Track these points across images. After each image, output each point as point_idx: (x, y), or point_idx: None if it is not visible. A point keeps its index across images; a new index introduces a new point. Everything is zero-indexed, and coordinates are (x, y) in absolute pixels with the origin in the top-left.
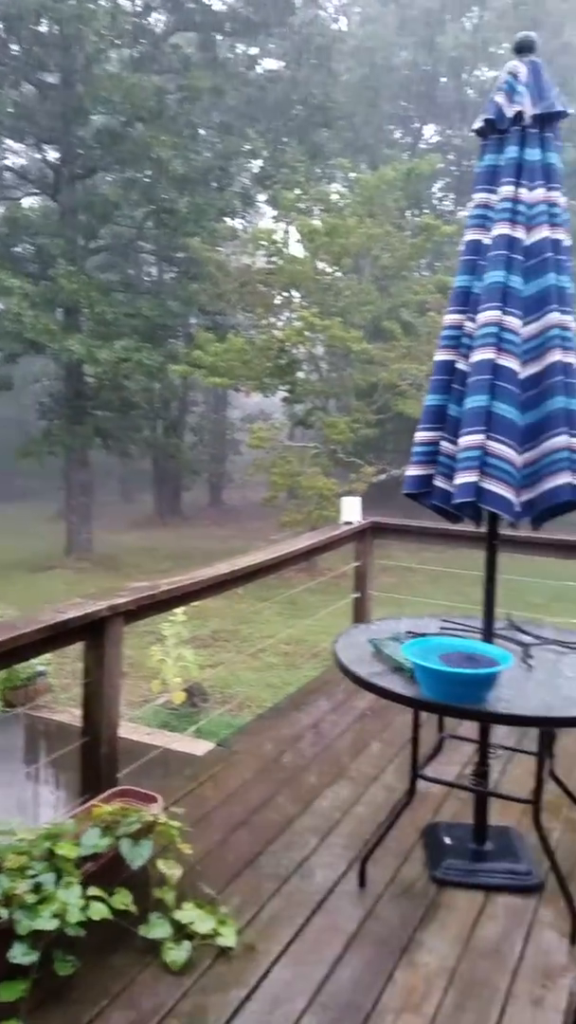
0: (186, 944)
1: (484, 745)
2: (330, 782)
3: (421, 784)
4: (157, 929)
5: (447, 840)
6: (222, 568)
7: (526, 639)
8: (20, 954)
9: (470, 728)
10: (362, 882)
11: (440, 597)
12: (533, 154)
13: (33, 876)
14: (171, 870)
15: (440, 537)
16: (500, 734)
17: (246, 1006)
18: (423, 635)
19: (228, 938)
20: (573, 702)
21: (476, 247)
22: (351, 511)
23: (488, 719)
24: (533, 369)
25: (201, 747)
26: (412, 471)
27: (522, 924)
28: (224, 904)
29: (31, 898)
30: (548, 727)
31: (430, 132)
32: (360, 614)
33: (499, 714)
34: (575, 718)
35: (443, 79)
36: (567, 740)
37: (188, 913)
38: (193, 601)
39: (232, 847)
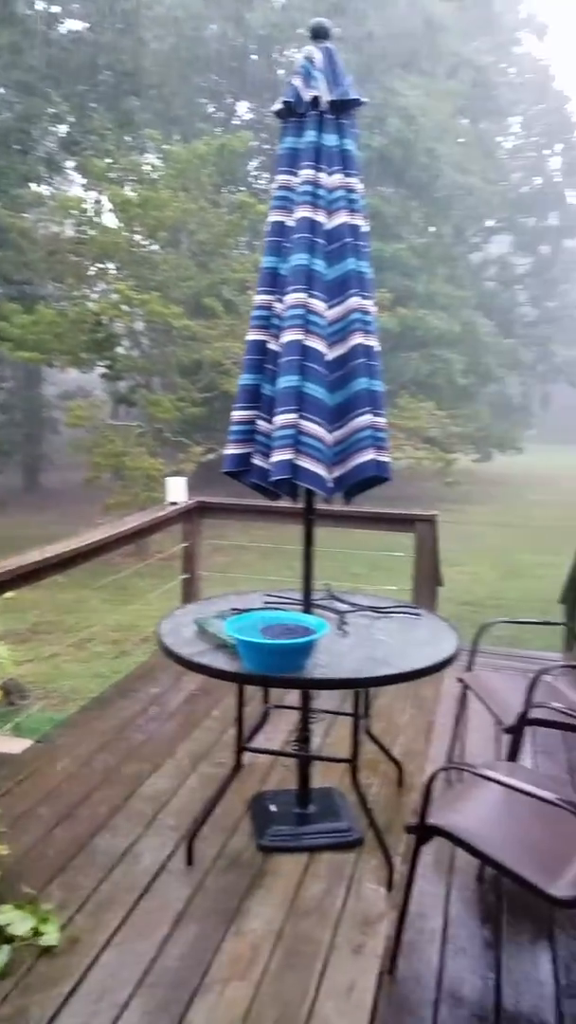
0: (5, 948)
1: (306, 712)
2: (158, 766)
3: (248, 756)
4: None
5: (272, 808)
6: (32, 556)
7: (342, 607)
8: None
9: (296, 697)
10: (190, 860)
11: (271, 572)
12: (330, 139)
13: None
14: None
15: (263, 514)
16: (324, 700)
17: (71, 1001)
18: (246, 611)
19: (51, 935)
20: (382, 663)
21: (280, 229)
22: (176, 491)
23: (306, 686)
24: (338, 351)
25: (18, 745)
26: (230, 450)
27: (343, 879)
28: (46, 901)
29: None
30: (361, 688)
31: (243, 109)
32: (189, 595)
33: (316, 680)
34: (383, 677)
35: (253, 56)
36: (384, 700)
37: (5, 916)
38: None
39: (54, 843)
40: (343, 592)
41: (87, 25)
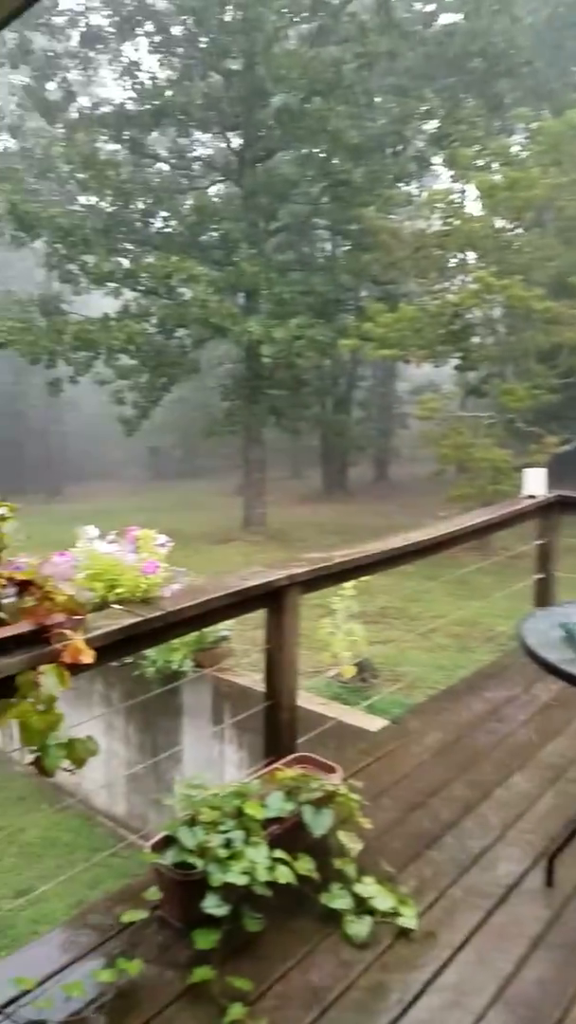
0: (367, 919)
1: None
2: (512, 772)
3: None
4: (338, 900)
5: None
6: (394, 542)
7: None
8: (213, 905)
9: None
10: (549, 881)
11: None
12: None
13: (224, 832)
14: (352, 843)
15: None
16: None
17: (428, 991)
18: None
19: (409, 919)
20: None
21: None
22: (535, 483)
23: None
24: None
25: (374, 723)
26: None
27: None
28: (403, 884)
29: (222, 852)
30: None
31: None
32: (544, 597)
33: None
34: None
35: None
36: None
37: (368, 888)
38: (363, 575)
39: (409, 827)
40: None
41: (461, 15)
